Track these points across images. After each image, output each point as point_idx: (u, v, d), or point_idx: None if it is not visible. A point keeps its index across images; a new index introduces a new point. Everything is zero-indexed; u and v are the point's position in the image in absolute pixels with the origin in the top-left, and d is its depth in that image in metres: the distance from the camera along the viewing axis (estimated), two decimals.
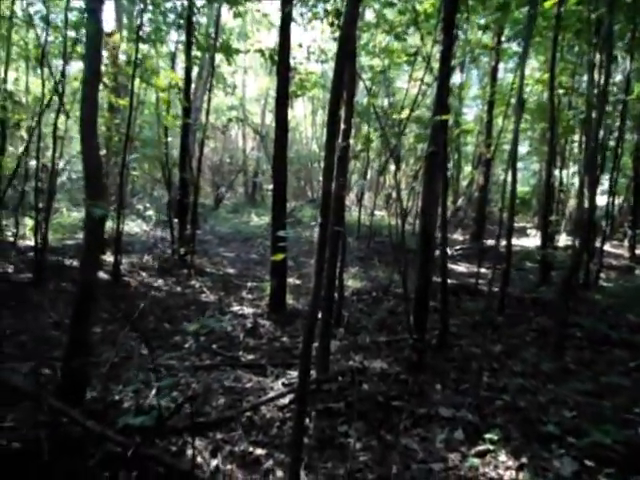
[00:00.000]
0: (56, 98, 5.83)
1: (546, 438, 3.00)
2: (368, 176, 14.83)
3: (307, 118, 21.77)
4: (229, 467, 2.69)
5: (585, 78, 10.24)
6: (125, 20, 11.44)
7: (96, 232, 2.98)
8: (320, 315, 3.80)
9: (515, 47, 11.71)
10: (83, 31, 5.62)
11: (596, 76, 6.50)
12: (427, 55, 4.68)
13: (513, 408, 3.40)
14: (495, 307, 5.92)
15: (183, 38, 7.94)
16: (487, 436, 2.95)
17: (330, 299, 4.18)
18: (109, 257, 8.00)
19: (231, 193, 21.26)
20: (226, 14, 11.52)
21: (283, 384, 3.77)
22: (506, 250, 6.21)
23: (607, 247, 10.11)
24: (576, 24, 7.71)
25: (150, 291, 6.81)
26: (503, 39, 11.34)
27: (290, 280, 7.10)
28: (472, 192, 15.49)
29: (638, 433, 3.09)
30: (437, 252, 5.40)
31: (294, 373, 3.97)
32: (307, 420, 3.11)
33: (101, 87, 8.16)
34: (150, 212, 12.09)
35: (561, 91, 9.89)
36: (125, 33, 9.43)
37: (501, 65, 13.47)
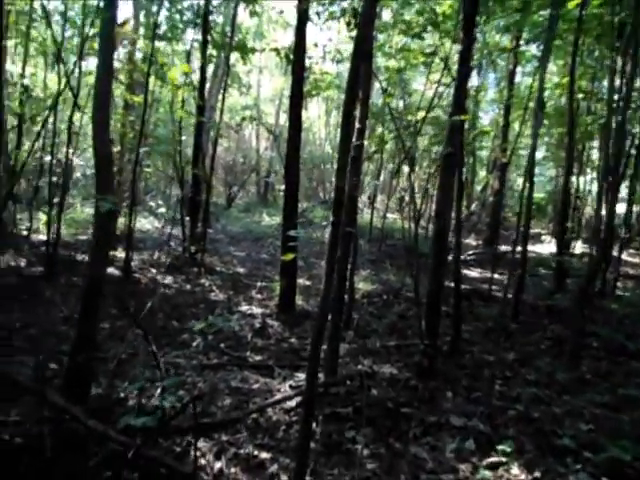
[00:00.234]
0: (70, 93, 5.84)
1: (561, 452, 2.89)
2: (381, 178, 14.74)
3: (321, 119, 21.74)
4: (233, 470, 2.64)
5: (605, 83, 10.06)
6: (142, 18, 11.49)
7: (105, 227, 2.95)
8: (330, 317, 3.73)
9: (534, 50, 11.56)
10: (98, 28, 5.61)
11: (617, 81, 6.35)
12: (445, 55, 4.59)
13: (526, 419, 3.29)
14: (509, 314, 5.80)
15: (199, 37, 7.94)
16: (499, 447, 2.85)
17: (340, 301, 4.11)
18: (120, 253, 8.01)
19: (243, 192, 21.29)
20: (242, 13, 11.54)
21: (290, 386, 3.71)
22: (521, 256, 6.07)
23: (624, 256, 9.89)
24: (597, 28, 7.56)
25: (160, 288, 6.80)
26: (522, 42, 11.18)
27: (300, 281, 7.03)
28: (486, 197, 15.30)
29: None
30: (449, 257, 5.31)
31: (302, 375, 3.90)
32: (314, 424, 3.04)
33: (117, 84, 8.21)
34: (162, 209, 12.14)
35: (580, 95, 9.72)
36: (142, 31, 9.48)
37: (518, 69, 13.29)
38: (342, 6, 6.49)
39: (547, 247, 13.37)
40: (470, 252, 11.04)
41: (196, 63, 9.23)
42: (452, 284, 4.80)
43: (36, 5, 7.69)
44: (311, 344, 2.56)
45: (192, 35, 7.96)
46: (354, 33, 5.08)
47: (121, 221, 9.06)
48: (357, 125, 3.89)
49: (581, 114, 10.16)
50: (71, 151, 6.43)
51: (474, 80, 12.25)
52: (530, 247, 10.78)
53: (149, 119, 7.94)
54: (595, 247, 5.20)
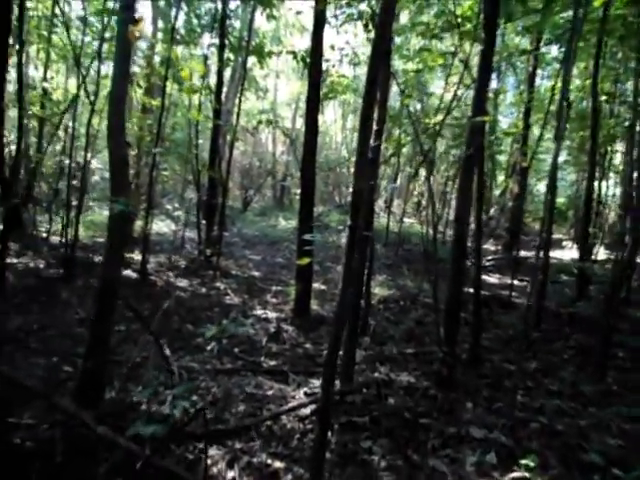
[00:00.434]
0: (87, 96, 5.89)
1: (588, 468, 2.76)
2: (398, 182, 14.61)
3: (337, 123, 21.71)
4: None
5: (629, 85, 9.81)
6: (161, 24, 11.61)
7: (120, 230, 2.92)
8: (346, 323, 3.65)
9: (554, 52, 11.36)
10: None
11: None
12: (466, 55, 4.49)
13: (550, 432, 3.16)
14: (530, 321, 5.63)
15: (216, 41, 7.96)
16: (522, 462, 2.73)
17: (356, 306, 4.03)
18: (137, 256, 8.05)
19: (259, 196, 21.34)
20: (260, 18, 11.59)
21: (305, 393, 3.63)
22: (543, 262, 5.90)
23: None
24: (621, 29, 7.37)
25: (175, 291, 6.80)
26: (541, 44, 10.98)
27: (315, 285, 6.97)
28: (505, 201, 15.05)
29: None
30: (468, 262, 5.18)
31: (316, 382, 3.83)
32: (329, 433, 2.96)
33: (134, 88, 8.27)
34: (179, 212, 12.21)
35: (603, 98, 9.49)
36: (160, 35, 9.56)
37: (538, 71, 13.07)
38: (359, 9, 6.44)
39: (568, 253, 13.08)
40: (489, 257, 10.85)
41: (213, 67, 9.26)
42: (471, 290, 4.68)
43: (57, 10, 7.82)
44: (328, 351, 2.49)
45: (209, 39, 7.99)
46: (372, 35, 5.02)
47: (138, 224, 9.13)
48: (375, 127, 3.82)
49: (604, 117, 9.92)
50: (89, 154, 6.47)
51: (493, 83, 12.06)
52: (551, 253, 10.54)
53: (166, 122, 7.96)
54: (619, 253, 5.02)
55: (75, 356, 4.00)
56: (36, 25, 7.83)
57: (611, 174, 12.78)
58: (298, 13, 6.81)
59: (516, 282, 7.13)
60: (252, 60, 9.75)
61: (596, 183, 10.35)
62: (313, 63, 5.72)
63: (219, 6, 7.90)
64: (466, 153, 3.88)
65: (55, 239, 8.63)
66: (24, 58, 11.24)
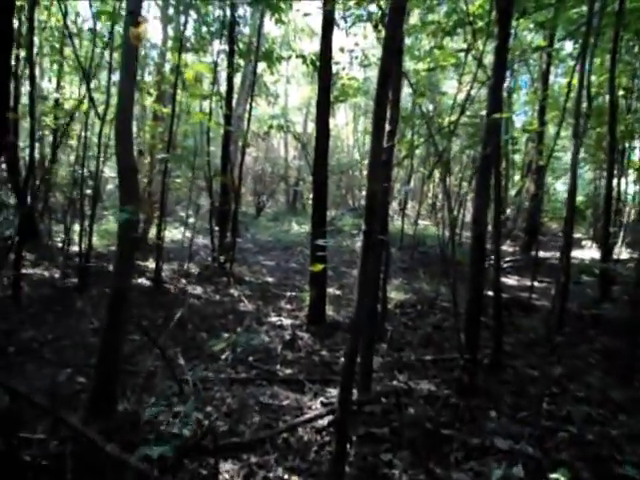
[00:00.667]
0: (93, 105, 5.90)
1: None
2: (411, 184, 14.46)
3: (348, 125, 21.63)
4: None
5: None
6: (171, 32, 11.67)
7: (129, 238, 2.86)
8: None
9: (568, 48, 11.13)
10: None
11: None
12: (479, 52, 4.37)
13: (580, 442, 3.00)
14: (552, 324, 5.45)
15: (225, 47, 7.95)
16: (553, 475, 2.58)
17: (373, 312, 3.92)
18: (151, 263, 8.05)
19: (272, 201, 21.34)
20: (269, 24, 11.57)
21: (322, 403, 3.53)
22: (564, 263, 5.72)
23: None
24: (637, 22, 7.16)
25: (189, 299, 6.76)
26: (555, 41, 10.78)
27: (330, 290, 6.87)
28: (521, 201, 14.79)
29: None
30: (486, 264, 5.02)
31: (333, 391, 3.72)
32: (347, 446, 2.85)
33: (144, 95, 8.30)
34: (192, 219, 12.21)
35: (620, 93, 9.26)
36: (170, 43, 9.60)
37: (552, 69, 12.83)
38: (369, 10, 6.37)
39: (588, 252, 12.77)
40: (507, 259, 10.62)
41: (223, 74, 9.27)
42: (490, 293, 4.54)
43: (68, 22, 7.88)
44: (345, 360, 2.39)
45: (219, 46, 7.98)
46: (382, 35, 4.92)
47: (152, 231, 9.14)
48: (387, 127, 3.72)
49: (621, 112, 9.67)
50: (101, 163, 6.48)
51: (506, 82, 11.85)
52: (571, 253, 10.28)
53: (177, 130, 7.96)
54: None
55: (89, 367, 3.95)
56: (47, 37, 7.91)
57: (630, 171, 12.46)
58: (306, 15, 6.74)
59: (536, 284, 6.93)
60: (262, 66, 9.73)
61: (615, 180, 10.09)
62: (323, 66, 5.64)
63: (228, 12, 7.90)
64: (483, 153, 3.75)
65: (70, 249, 8.69)
66: (38, 70, 11.41)
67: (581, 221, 17.07)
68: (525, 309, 6.39)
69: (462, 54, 7.01)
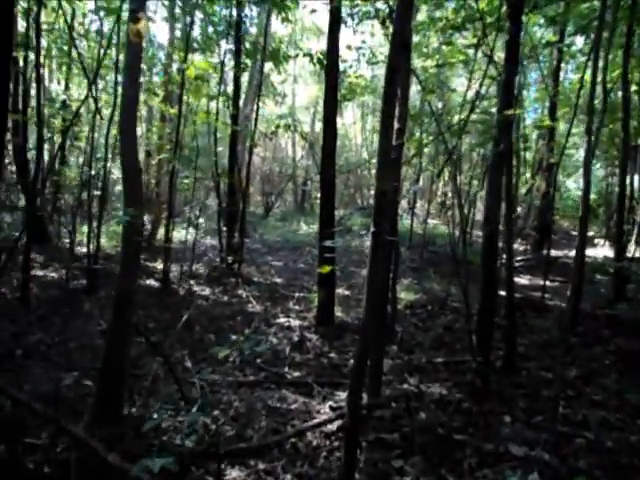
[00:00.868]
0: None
1: None
2: (420, 183, 14.33)
3: (356, 124, 21.52)
4: None
5: None
6: (178, 33, 11.67)
7: (133, 240, 2.82)
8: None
9: (579, 44, 10.94)
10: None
11: None
12: (489, 47, 4.27)
13: (598, 448, 2.90)
14: (566, 325, 5.33)
15: (232, 46, 7.91)
16: None
17: (382, 313, 3.84)
18: (160, 264, 8.04)
19: (280, 201, 21.31)
20: (276, 23, 11.53)
21: (331, 407, 3.46)
22: (578, 262, 5.59)
23: None
24: None
25: (197, 300, 6.73)
26: (566, 36, 10.59)
27: (339, 291, 6.80)
28: (532, 199, 14.59)
29: None
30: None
31: (342, 394, 3.65)
32: (357, 452, 2.78)
33: (151, 96, 8.28)
34: (201, 220, 12.19)
35: (633, 88, 9.06)
36: (177, 44, 9.58)
37: (562, 65, 12.63)
38: (376, 6, 6.28)
39: (600, 251, 12.57)
40: (518, 258, 10.47)
41: (231, 74, 9.23)
42: (502, 293, 4.43)
43: (76, 23, 7.89)
44: (354, 363, 2.33)
45: (225, 46, 7.95)
46: (390, 31, 4.84)
47: (161, 232, 9.13)
48: (396, 125, 3.64)
49: (634, 108, 9.47)
50: (109, 164, 6.47)
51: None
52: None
53: (184, 130, 7.94)
54: None
55: (95, 370, 3.90)
56: (55, 39, 7.92)
57: None
58: (313, 12, 6.68)
59: (548, 283, 6.80)
60: (269, 66, 9.68)
61: (628, 178, 9.89)
62: (329, 64, 5.57)
63: (234, 12, 7.85)
64: (495, 150, 3.66)
65: (79, 250, 8.70)
66: (47, 72, 11.47)
67: (593, 219, 16.82)
68: (538, 309, 6.26)
69: (471, 51, 6.91)
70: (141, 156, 11.72)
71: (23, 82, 7.66)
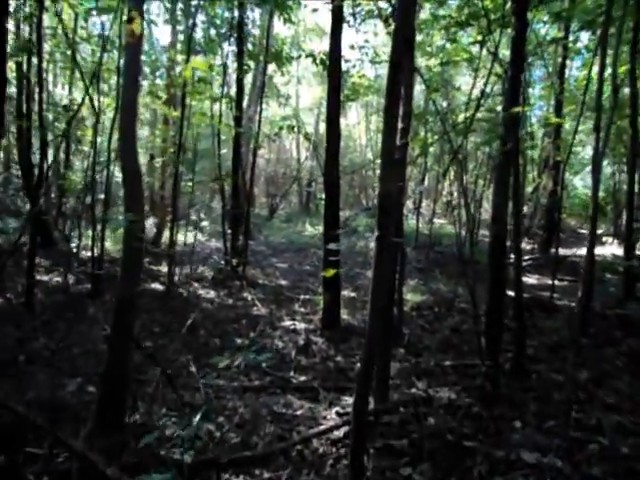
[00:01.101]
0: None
1: None
2: (425, 183, 14.24)
3: (361, 124, 21.44)
4: None
5: None
6: (181, 36, 11.65)
7: (134, 244, 2.77)
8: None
9: (585, 40, 10.81)
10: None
11: None
12: (494, 44, 4.20)
13: (612, 455, 2.81)
14: (576, 325, 5.24)
15: (234, 48, 7.88)
16: None
17: (389, 315, 3.77)
18: (164, 267, 8.01)
19: (285, 203, 21.27)
20: (278, 24, 11.47)
21: (337, 413, 3.39)
22: (588, 261, 5.49)
23: None
24: None
25: (202, 303, 6.69)
26: (570, 33, 10.48)
27: (344, 293, 6.73)
28: (539, 198, 14.44)
29: None
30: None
31: (349, 399, 3.58)
32: (365, 459, 2.72)
33: (154, 99, 8.26)
34: (205, 223, 12.19)
35: None
36: (179, 46, 9.57)
37: (567, 62, 12.49)
38: (378, 5, 6.22)
39: (609, 249, 12.42)
40: (526, 257, 10.36)
41: (234, 77, 9.21)
42: (510, 293, 4.34)
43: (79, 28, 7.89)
44: (360, 367, 2.27)
45: (228, 48, 7.92)
46: (392, 29, 4.78)
47: (166, 235, 9.11)
48: (400, 124, 3.57)
49: None
50: (112, 167, 6.45)
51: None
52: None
53: (188, 133, 7.91)
54: None
55: (99, 376, 3.88)
56: (57, 44, 7.92)
57: None
58: (314, 11, 6.63)
59: (556, 282, 6.70)
60: (273, 67, 9.64)
61: (637, 175, 9.75)
62: (332, 64, 5.52)
63: (236, 13, 7.82)
64: (502, 149, 3.58)
65: (85, 254, 8.69)
66: (51, 76, 11.50)
67: (602, 217, 16.64)
68: (547, 309, 6.17)
69: (475, 48, 6.82)
70: (145, 159, 11.73)
71: (27, 87, 7.67)
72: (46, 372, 4.08)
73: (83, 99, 5.40)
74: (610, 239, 14.54)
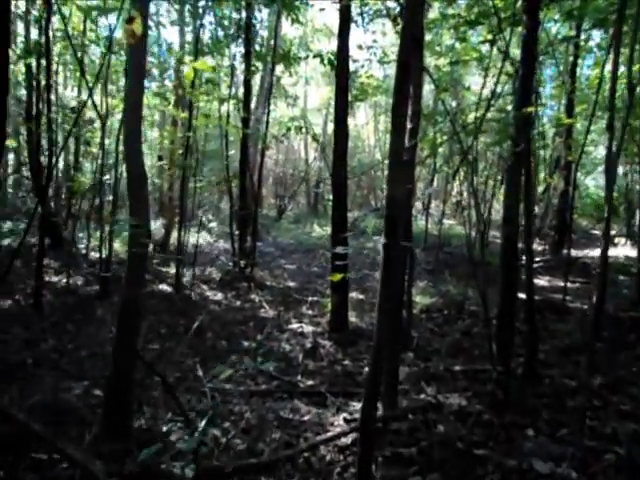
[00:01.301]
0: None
1: None
2: (434, 183, 14.12)
3: (369, 125, 21.34)
4: None
5: None
6: (189, 37, 11.67)
7: (138, 247, 2.74)
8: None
9: (597, 38, 10.65)
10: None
11: None
12: (505, 43, 4.12)
13: (629, 465, 2.72)
14: (588, 328, 5.12)
15: (242, 49, 7.87)
16: None
17: (397, 318, 3.71)
18: (172, 269, 8.00)
19: (293, 204, 21.24)
20: (286, 25, 11.46)
21: (345, 419, 3.34)
22: (602, 262, 5.37)
23: None
24: None
25: (209, 305, 6.67)
26: (582, 31, 10.32)
27: (353, 295, 6.67)
28: (550, 198, 14.26)
29: None
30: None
31: (357, 405, 3.53)
32: (373, 467, 2.66)
33: (162, 100, 8.26)
34: (213, 224, 12.19)
35: None
36: (187, 48, 9.57)
37: (579, 60, 12.32)
38: (386, 4, 6.16)
39: (622, 250, 12.22)
40: (537, 259, 10.21)
41: (241, 77, 9.20)
42: (522, 295, 4.26)
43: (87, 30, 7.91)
44: (368, 372, 2.21)
45: (235, 49, 7.90)
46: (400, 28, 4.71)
47: (174, 236, 9.11)
48: (409, 124, 3.50)
49: None
50: (120, 169, 6.45)
51: None
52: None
53: (195, 133, 7.91)
54: None
55: (105, 379, 3.86)
56: (66, 46, 7.95)
57: None
58: (321, 10, 6.59)
59: (568, 284, 6.58)
60: (280, 68, 9.62)
61: None
62: (340, 64, 5.47)
63: (243, 14, 7.80)
64: (514, 149, 3.51)
65: (94, 255, 8.71)
66: (61, 78, 11.57)
67: (614, 217, 16.40)
68: (559, 312, 6.06)
69: (485, 47, 6.73)
70: (153, 161, 11.75)
71: (36, 89, 7.71)
72: (53, 375, 4.07)
73: (86, 101, 5.39)
74: (622, 240, 14.32)
